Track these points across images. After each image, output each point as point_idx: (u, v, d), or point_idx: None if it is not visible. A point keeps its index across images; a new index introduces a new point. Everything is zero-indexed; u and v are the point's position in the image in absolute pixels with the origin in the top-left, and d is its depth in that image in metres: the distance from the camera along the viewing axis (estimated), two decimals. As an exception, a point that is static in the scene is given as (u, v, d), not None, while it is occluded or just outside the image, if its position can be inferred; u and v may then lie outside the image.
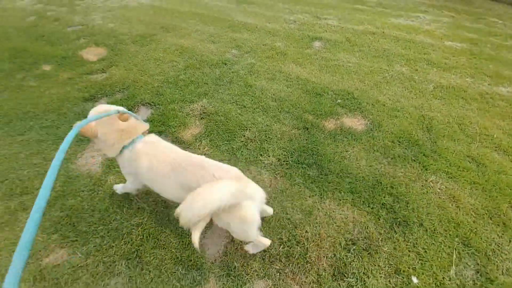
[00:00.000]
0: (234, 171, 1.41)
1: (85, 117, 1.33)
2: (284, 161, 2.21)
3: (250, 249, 1.68)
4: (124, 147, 1.49)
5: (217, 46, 3.88)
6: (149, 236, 1.72)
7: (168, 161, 1.43)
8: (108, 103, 2.79)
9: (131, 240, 1.70)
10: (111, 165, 2.13)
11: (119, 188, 1.91)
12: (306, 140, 2.39)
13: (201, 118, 2.63)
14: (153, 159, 1.45)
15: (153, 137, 1.58)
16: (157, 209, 1.86)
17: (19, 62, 3.46)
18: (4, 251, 1.64)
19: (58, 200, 1.90)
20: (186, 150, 1.52)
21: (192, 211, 1.15)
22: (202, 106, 2.76)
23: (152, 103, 2.81)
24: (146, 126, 1.61)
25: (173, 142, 2.16)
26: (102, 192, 1.96)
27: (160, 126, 2.52)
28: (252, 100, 2.83)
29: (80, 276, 1.55)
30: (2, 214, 1.83)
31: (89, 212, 1.84)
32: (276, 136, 2.42)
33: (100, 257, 1.62)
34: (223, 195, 1.18)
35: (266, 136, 2.41)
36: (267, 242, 1.62)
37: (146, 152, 1.47)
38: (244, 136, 2.41)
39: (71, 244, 1.69)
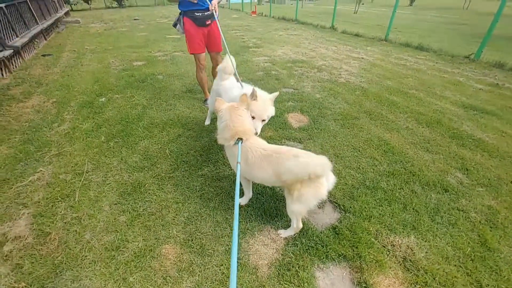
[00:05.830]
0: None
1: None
2: None
3: (282, 232, 2.04)
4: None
5: (434, 158, 3.05)
6: None
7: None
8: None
9: None
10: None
11: None
12: None
13: (405, 269, 1.85)
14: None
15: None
16: None
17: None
18: None
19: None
20: None
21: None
22: (407, 246, 1.99)
23: (341, 207, 2.34)
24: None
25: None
26: None
27: (345, 248, 1.96)
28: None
29: None
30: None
31: None
32: None
33: None
34: (316, 164, 1.56)
35: None
36: (301, 225, 1.96)
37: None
38: None
39: None
